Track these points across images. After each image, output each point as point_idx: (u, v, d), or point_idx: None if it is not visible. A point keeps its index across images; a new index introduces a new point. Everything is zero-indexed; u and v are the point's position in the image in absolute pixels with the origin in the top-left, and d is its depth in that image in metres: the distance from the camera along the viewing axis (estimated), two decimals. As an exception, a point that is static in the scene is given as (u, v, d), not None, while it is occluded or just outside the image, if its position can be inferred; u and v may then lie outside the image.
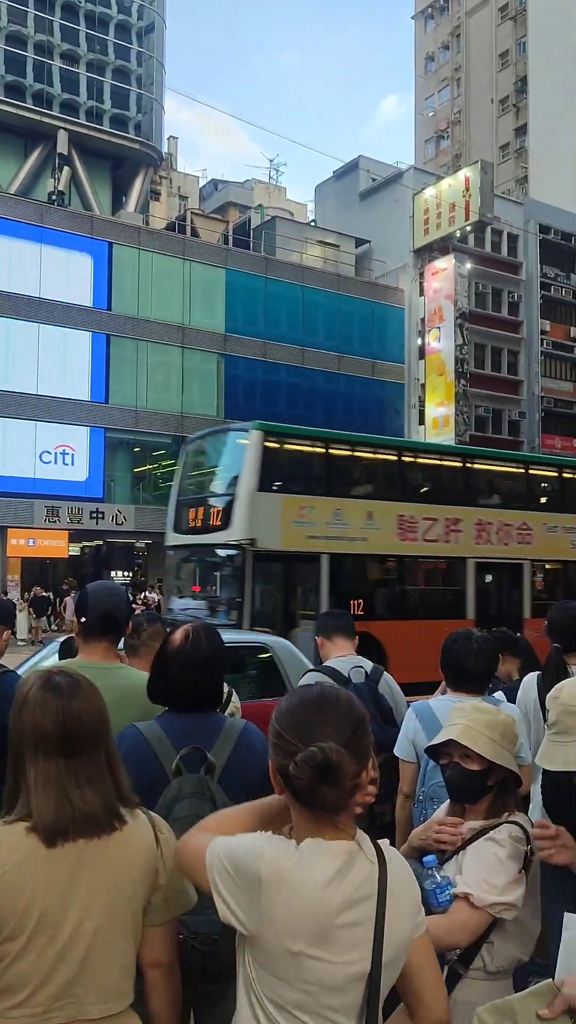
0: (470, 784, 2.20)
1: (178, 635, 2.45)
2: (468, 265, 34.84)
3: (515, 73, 49.24)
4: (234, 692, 3.96)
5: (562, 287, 38.92)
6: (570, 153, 39.81)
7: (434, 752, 2.32)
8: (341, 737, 1.49)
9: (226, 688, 3.95)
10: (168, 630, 2.60)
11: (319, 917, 1.44)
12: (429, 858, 2.11)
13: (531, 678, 3.70)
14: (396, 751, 3.19)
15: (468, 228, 34.38)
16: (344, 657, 3.62)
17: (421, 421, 35.04)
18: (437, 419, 34.34)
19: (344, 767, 1.46)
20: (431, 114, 57.47)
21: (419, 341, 35.26)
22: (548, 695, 1.91)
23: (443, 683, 3.22)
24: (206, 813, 2.07)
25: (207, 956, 2.02)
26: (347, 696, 1.59)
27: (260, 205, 39.69)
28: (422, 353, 35.15)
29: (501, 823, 2.15)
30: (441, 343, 34.32)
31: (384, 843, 1.60)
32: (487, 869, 2.06)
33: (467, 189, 33.66)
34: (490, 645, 3.08)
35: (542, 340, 37.74)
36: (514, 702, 3.69)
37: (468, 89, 53.72)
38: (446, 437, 33.86)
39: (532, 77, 44.15)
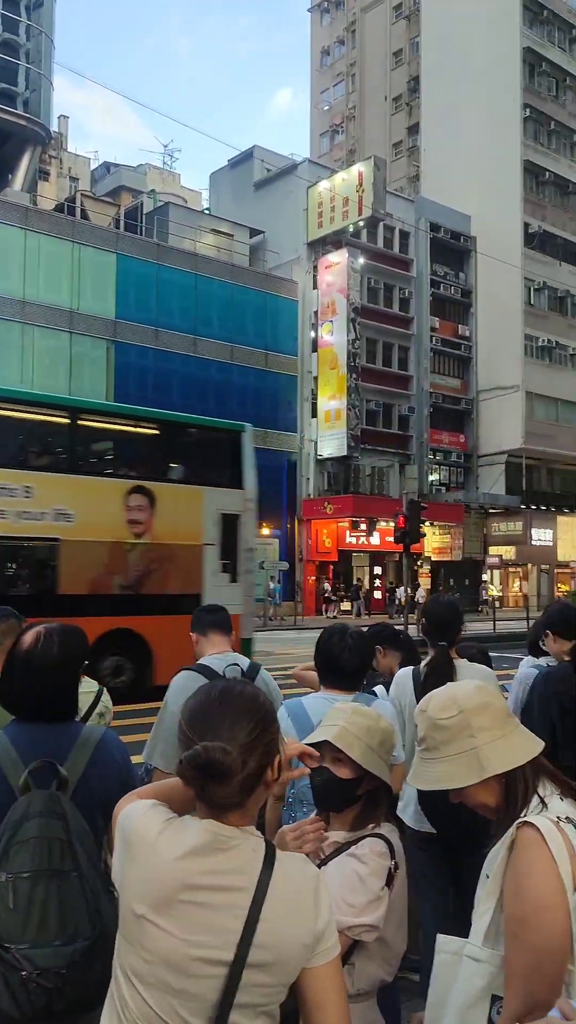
0: (339, 792, 2.07)
1: (28, 636, 2.24)
2: (361, 260, 35.22)
3: (409, 72, 50.00)
4: (104, 691, 3.77)
5: (451, 285, 39.84)
6: (460, 154, 40.69)
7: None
8: (238, 734, 1.43)
9: (95, 687, 3.76)
10: (23, 628, 2.39)
11: (162, 884, 1.39)
12: None
13: (405, 674, 3.65)
14: None
15: (361, 223, 34.74)
16: (220, 654, 3.48)
17: (314, 414, 35.25)
18: (329, 412, 34.63)
19: (230, 766, 1.40)
20: (326, 108, 57.77)
21: (312, 334, 35.44)
22: (417, 707, 1.83)
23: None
24: (57, 834, 1.92)
25: (52, 992, 1.83)
26: (252, 692, 1.53)
27: (153, 190, 39.01)
28: (315, 346, 35.35)
29: (365, 836, 2.03)
30: (334, 337, 34.60)
31: (290, 855, 1.52)
32: (347, 888, 1.93)
33: (360, 184, 34.01)
34: (364, 640, 2.99)
35: (431, 337, 38.55)
36: (401, 698, 3.65)
37: (363, 85, 54.24)
38: (338, 431, 34.20)
39: (425, 77, 44.87)
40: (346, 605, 34.36)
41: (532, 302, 39.24)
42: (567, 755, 3.34)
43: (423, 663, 3.63)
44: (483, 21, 40.00)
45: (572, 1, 41.88)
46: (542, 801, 1.62)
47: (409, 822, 3.49)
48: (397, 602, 32.97)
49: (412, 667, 3.66)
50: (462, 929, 1.71)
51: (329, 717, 2.17)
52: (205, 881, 1.39)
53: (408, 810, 3.53)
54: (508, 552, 39.71)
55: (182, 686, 3.26)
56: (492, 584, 40.17)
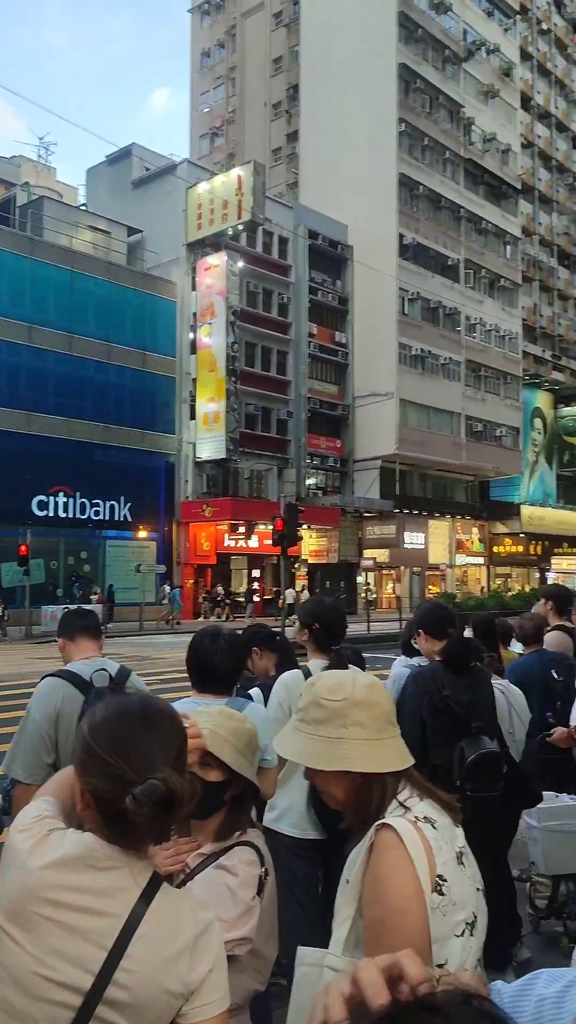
0: (206, 797, 2.00)
1: None
2: (240, 263, 35.27)
3: (288, 80, 50.49)
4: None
5: (329, 292, 40.45)
6: (338, 163, 41.42)
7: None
8: (169, 756, 1.35)
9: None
10: None
11: (19, 893, 1.28)
12: None
13: (295, 676, 3.60)
14: None
15: (240, 227, 34.79)
16: (87, 660, 3.34)
17: (193, 416, 35.03)
18: (208, 414, 34.49)
19: (184, 794, 1.32)
20: (206, 110, 57.62)
21: (191, 336, 35.22)
22: (308, 680, 1.79)
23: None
24: None
25: None
26: (166, 706, 1.46)
27: (27, 183, 37.79)
28: (194, 348, 35.15)
29: (233, 845, 1.97)
30: (212, 339, 34.49)
31: (184, 893, 1.44)
32: (217, 902, 1.86)
33: (240, 188, 34.06)
34: (237, 643, 2.94)
35: (309, 343, 39.02)
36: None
37: (243, 90, 54.40)
38: (217, 433, 34.11)
39: (304, 86, 45.44)
40: (221, 611, 34.27)
41: (406, 312, 40.33)
42: (438, 754, 3.39)
43: (323, 667, 3.60)
44: (361, 36, 40.86)
45: (445, 22, 43.32)
46: (402, 805, 1.60)
47: (286, 831, 3.46)
48: (284, 604, 33.23)
49: (301, 669, 3.62)
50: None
51: (196, 720, 2.09)
52: (70, 900, 1.28)
53: (284, 820, 3.51)
54: (382, 555, 40.63)
55: (46, 693, 3.12)
56: (366, 586, 41.03)
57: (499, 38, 46.48)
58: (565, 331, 51.97)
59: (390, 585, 42.91)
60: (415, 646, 4.11)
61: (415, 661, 4.54)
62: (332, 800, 1.69)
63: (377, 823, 1.57)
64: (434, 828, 1.57)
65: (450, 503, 44.95)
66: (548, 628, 5.82)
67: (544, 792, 4.43)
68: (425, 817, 1.58)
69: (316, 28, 44.46)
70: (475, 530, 46.71)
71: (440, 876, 1.52)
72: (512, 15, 47.92)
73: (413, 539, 41.20)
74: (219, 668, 2.78)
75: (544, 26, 51.74)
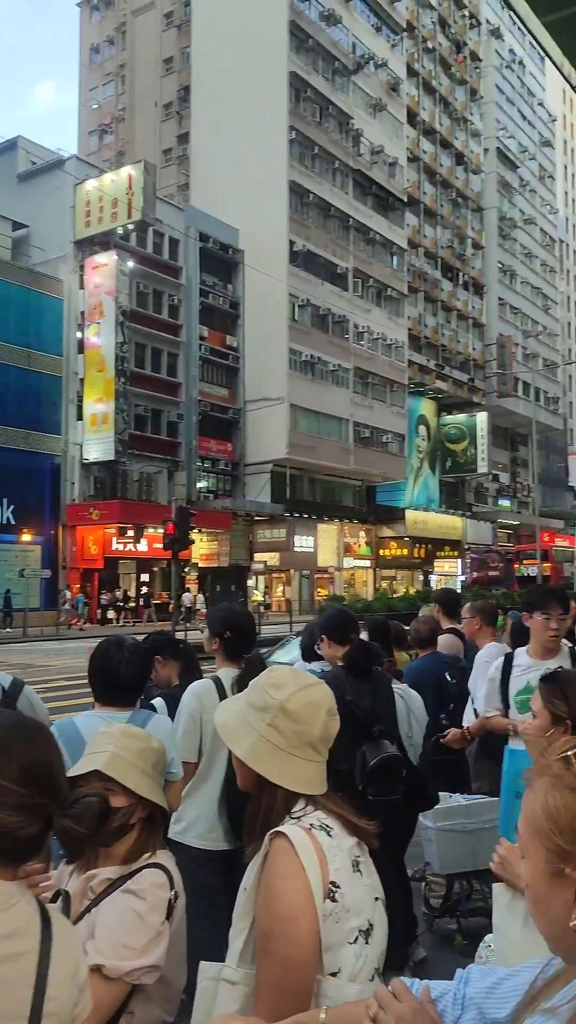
0: (111, 824, 1.93)
1: None
2: (130, 263, 34.80)
3: (179, 81, 50.19)
4: None
5: (220, 296, 40.39)
6: (229, 167, 41.41)
7: (71, 782, 1.99)
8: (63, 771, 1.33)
9: None
10: None
11: None
12: None
13: (206, 686, 3.53)
14: None
15: (130, 226, 34.34)
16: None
17: (80, 416, 34.29)
18: (96, 415, 33.84)
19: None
20: (95, 106, 56.61)
21: (78, 335, 34.49)
22: (272, 667, 1.76)
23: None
24: None
25: None
26: (39, 722, 1.43)
27: None
28: (81, 347, 34.42)
29: (141, 868, 1.90)
30: (101, 339, 33.87)
31: (51, 906, 1.40)
32: (124, 929, 1.78)
33: (130, 187, 33.62)
34: (142, 652, 2.87)
35: (200, 345, 38.84)
36: (175, 710, 3.52)
37: (133, 88, 53.74)
38: (105, 435, 33.49)
39: (195, 88, 45.23)
40: (121, 616, 33.65)
41: (296, 318, 40.69)
42: (340, 759, 3.40)
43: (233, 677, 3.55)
44: (252, 42, 41.02)
45: (334, 34, 44.01)
46: (291, 816, 1.59)
47: (194, 843, 3.41)
48: (181, 609, 32.95)
49: (213, 678, 3.56)
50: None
51: (95, 743, 2.00)
52: None
53: (191, 832, 3.45)
54: (272, 558, 40.84)
55: None
56: (257, 589, 41.11)
57: (387, 53, 47.57)
58: (448, 342, 53.58)
59: (280, 588, 43.16)
60: (318, 651, 4.13)
61: (315, 666, 4.56)
62: (239, 781, 1.69)
63: (271, 831, 1.55)
64: (329, 835, 1.56)
65: (338, 507, 45.62)
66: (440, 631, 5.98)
67: (438, 793, 4.53)
68: (321, 824, 1.57)
69: (207, 31, 44.38)
70: (362, 534, 47.56)
71: (333, 883, 1.51)
72: (399, 32, 49.14)
73: (303, 542, 41.58)
74: (124, 678, 2.70)
75: (430, 44, 53.26)
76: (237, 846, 3.40)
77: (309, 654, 4.69)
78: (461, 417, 54.00)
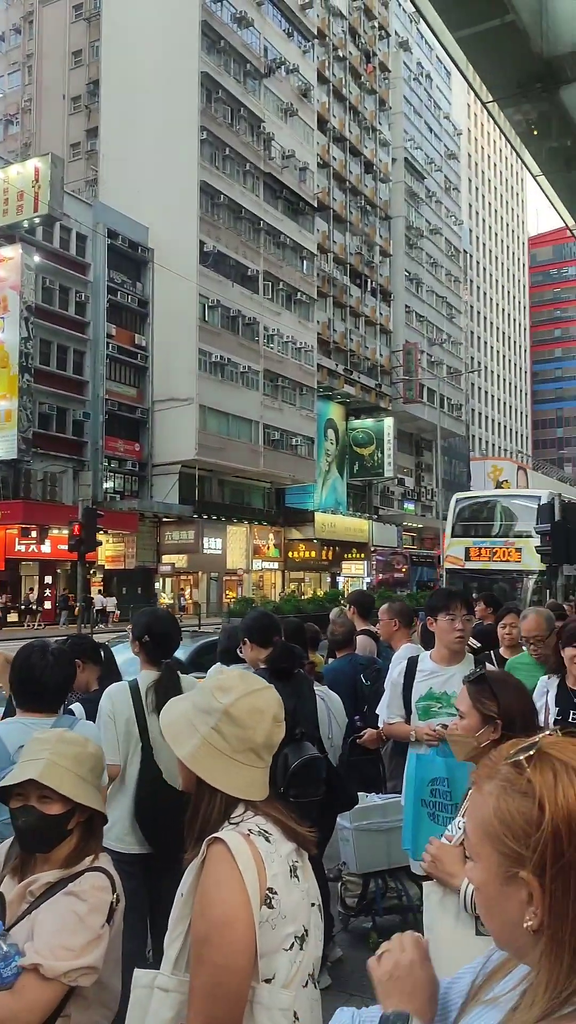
0: (49, 832, 1.88)
1: None
2: (36, 258, 34.00)
3: (88, 74, 49.31)
4: None
5: (128, 294, 39.85)
6: (139, 164, 40.90)
7: (3, 792, 1.92)
8: None
9: None
10: None
11: None
12: None
13: (120, 688, 3.49)
14: None
15: (37, 220, 33.55)
16: None
17: (-19, 414, 33.27)
18: (-1, 413, 32.91)
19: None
20: (0, 96, 55.08)
21: (-19, 330, 33.47)
22: (221, 668, 1.75)
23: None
24: None
25: None
26: None
27: None
28: (-16, 343, 33.42)
29: (83, 871, 1.87)
30: (5, 334, 32.98)
31: None
32: (64, 930, 1.76)
33: (36, 180, 32.86)
34: (66, 656, 2.81)
35: (108, 343, 38.23)
36: (93, 716, 3.47)
37: (40, 80, 52.49)
38: (8, 432, 32.60)
39: (104, 83, 44.51)
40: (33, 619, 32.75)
41: (206, 318, 40.52)
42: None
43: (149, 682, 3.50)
44: (163, 39, 40.68)
45: (246, 37, 44.05)
46: (230, 822, 1.59)
47: (112, 845, 3.35)
48: (95, 612, 32.41)
49: (128, 681, 3.51)
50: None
51: (29, 750, 1.95)
52: None
53: (110, 834, 3.39)
54: (180, 560, 40.52)
55: None
56: (164, 592, 40.75)
57: (298, 59, 47.90)
58: (356, 347, 54.30)
59: (187, 590, 42.87)
60: (240, 655, 4.12)
61: (233, 669, 4.54)
62: (180, 782, 1.69)
63: (209, 837, 1.55)
64: (267, 841, 1.57)
65: (248, 509, 45.62)
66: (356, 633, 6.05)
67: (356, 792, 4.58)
68: (260, 830, 1.58)
69: (118, 26, 43.76)
70: (271, 536, 47.70)
71: (271, 889, 1.52)
72: (311, 38, 49.55)
73: (211, 544, 41.41)
74: (49, 684, 2.64)
75: (340, 53, 53.90)
76: (151, 851, 3.38)
77: (228, 657, 4.68)
78: (368, 422, 54.81)
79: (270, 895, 1.51)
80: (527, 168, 9.73)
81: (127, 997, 1.62)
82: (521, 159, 9.60)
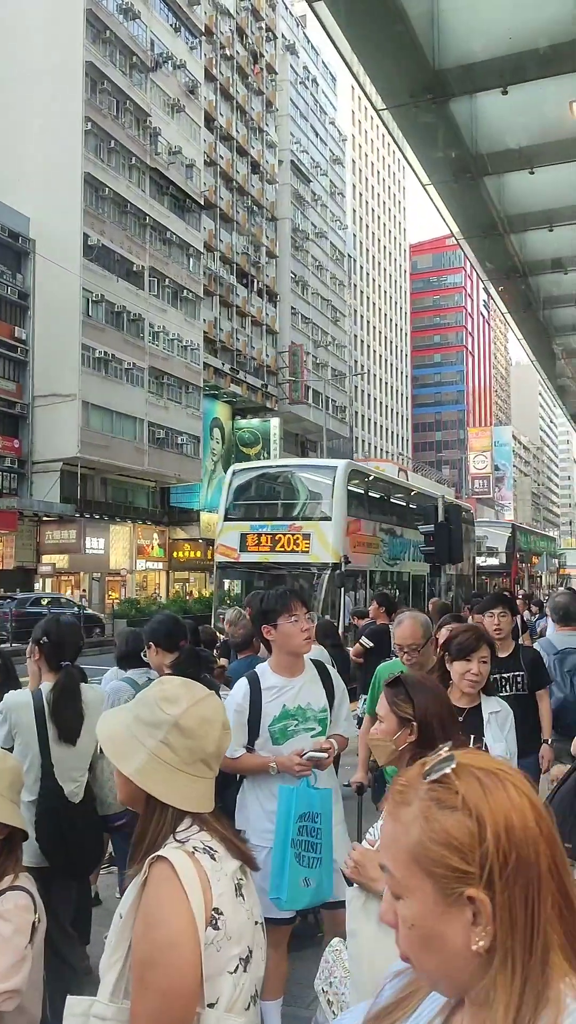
0: None
1: None
2: None
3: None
4: None
5: (7, 285, 38.55)
6: (20, 153, 39.58)
7: None
8: None
9: None
10: None
11: None
12: None
13: (22, 696, 3.35)
14: None
15: None
16: None
17: None
18: None
19: None
20: None
21: None
22: (160, 679, 1.66)
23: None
24: None
25: None
26: None
27: None
28: None
29: (4, 890, 1.77)
30: None
31: None
32: None
33: None
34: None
35: (-14, 336, 36.87)
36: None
37: None
38: None
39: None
40: None
41: (90, 313, 39.66)
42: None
43: (48, 687, 3.36)
44: (46, 25, 39.55)
45: (133, 29, 43.35)
46: (175, 839, 1.53)
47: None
48: None
49: (34, 690, 3.36)
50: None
51: None
52: None
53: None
54: (61, 560, 39.50)
55: None
56: (83, 593, 39.75)
57: (185, 55, 47.53)
58: (243, 347, 54.38)
59: (68, 591, 41.84)
60: (144, 659, 4.02)
61: (133, 674, 4.44)
62: (119, 796, 1.62)
63: (152, 856, 1.48)
64: (212, 859, 1.51)
65: (132, 508, 44.93)
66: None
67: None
68: (205, 847, 1.52)
69: (-2, 7, 42.23)
70: (155, 535, 47.15)
71: (216, 909, 1.47)
72: (198, 35, 49.26)
73: (94, 544, 40.54)
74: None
75: (228, 52, 53.83)
76: (49, 864, 3.28)
77: (127, 662, 4.57)
78: (255, 422, 54.98)
79: (215, 916, 1.45)
80: (416, 177, 9.96)
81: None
82: (411, 167, 9.82)
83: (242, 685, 3.54)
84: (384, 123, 8.97)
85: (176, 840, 1.51)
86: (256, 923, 1.59)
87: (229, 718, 3.39)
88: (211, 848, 1.52)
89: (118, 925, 1.51)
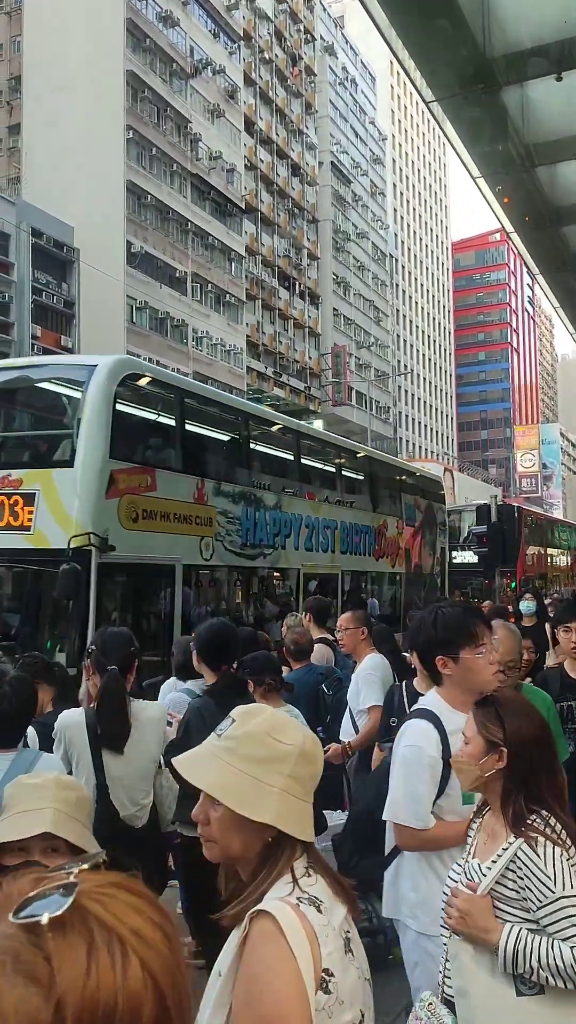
0: None
1: None
2: (-44, 256, 32.94)
3: (10, 70, 48.06)
4: None
5: (53, 295, 38.96)
6: (64, 163, 40.05)
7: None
8: None
9: None
10: None
11: None
12: None
13: (75, 714, 3.22)
14: None
15: (-43, 217, 32.51)
16: None
17: None
18: None
19: None
20: None
21: None
22: (247, 709, 1.50)
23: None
24: None
25: None
26: None
27: None
28: None
29: None
30: None
31: None
32: None
33: (-43, 176, 31.82)
34: (25, 685, 2.54)
35: (33, 345, 37.26)
36: (47, 741, 3.19)
37: (-42, 73, 50.97)
38: None
39: (27, 79, 43.46)
40: None
41: (134, 320, 39.90)
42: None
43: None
44: (88, 37, 39.93)
45: (172, 36, 43.59)
46: (295, 880, 1.37)
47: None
48: None
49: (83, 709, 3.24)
50: None
51: (26, 798, 1.69)
52: None
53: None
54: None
55: None
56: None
57: (224, 60, 47.65)
58: (285, 350, 54.30)
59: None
60: (198, 670, 3.88)
61: (192, 685, 4.31)
62: (218, 852, 1.42)
63: (252, 910, 1.32)
64: (319, 912, 1.34)
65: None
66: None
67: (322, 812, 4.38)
68: (309, 897, 1.35)
69: (40, 21, 42.77)
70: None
71: (326, 971, 1.30)
72: (237, 40, 49.37)
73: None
74: (7, 716, 2.36)
75: (266, 55, 53.85)
76: None
77: (185, 672, 4.44)
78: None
79: (326, 978, 1.28)
80: (467, 170, 9.72)
81: None
82: (460, 160, 9.58)
83: (429, 732, 2.61)
84: (433, 115, 8.77)
85: (295, 882, 1.36)
86: (366, 980, 1.43)
87: (409, 772, 2.57)
88: (316, 898, 1.36)
89: (216, 984, 1.36)
